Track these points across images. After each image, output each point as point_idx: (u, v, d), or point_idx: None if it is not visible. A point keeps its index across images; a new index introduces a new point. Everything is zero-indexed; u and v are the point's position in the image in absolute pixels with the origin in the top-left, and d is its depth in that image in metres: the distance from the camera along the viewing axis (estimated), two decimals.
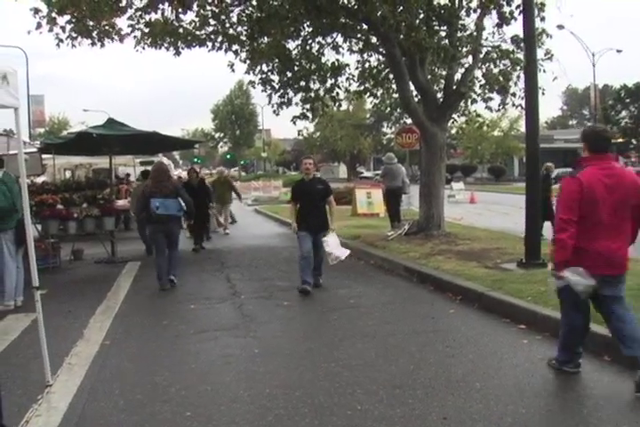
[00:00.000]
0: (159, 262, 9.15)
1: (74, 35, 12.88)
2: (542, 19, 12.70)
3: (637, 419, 4.07)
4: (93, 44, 13.24)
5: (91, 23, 12.72)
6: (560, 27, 27.80)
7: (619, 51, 39.75)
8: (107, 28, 13.05)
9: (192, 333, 6.51)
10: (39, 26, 12.33)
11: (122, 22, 13.35)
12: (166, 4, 12.47)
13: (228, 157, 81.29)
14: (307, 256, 8.59)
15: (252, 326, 6.73)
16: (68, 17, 12.44)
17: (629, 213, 4.66)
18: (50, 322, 5.42)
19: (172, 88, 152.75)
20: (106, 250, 12.06)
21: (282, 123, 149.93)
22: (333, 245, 8.76)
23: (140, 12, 12.75)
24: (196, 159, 62.97)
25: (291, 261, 10.79)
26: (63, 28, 12.64)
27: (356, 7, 12.07)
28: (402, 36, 11.51)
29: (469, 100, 14.35)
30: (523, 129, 46.44)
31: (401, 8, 11.45)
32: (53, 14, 12.32)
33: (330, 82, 14.61)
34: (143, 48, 13.57)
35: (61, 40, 12.85)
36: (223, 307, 7.80)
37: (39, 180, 15.45)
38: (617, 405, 4.27)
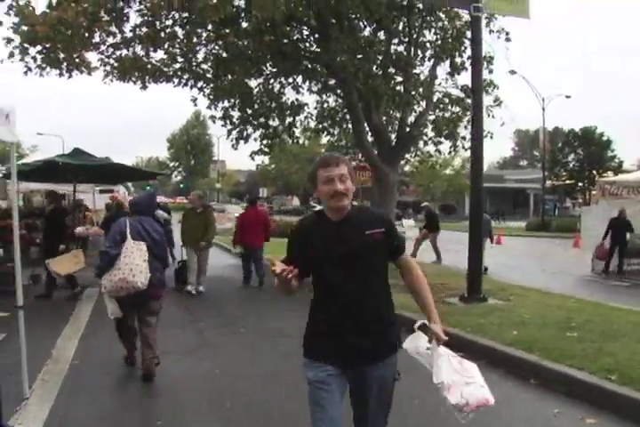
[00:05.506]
0: None
1: (43, 65, 13.26)
2: (490, 71, 13.71)
3: None
4: (61, 74, 13.61)
5: (62, 55, 13.09)
6: (512, 72, 29.13)
7: (567, 96, 41.54)
8: (77, 60, 13.44)
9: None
10: (12, 55, 12.68)
11: (92, 55, 13.81)
12: (137, 41, 13.00)
13: (182, 186, 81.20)
14: None
15: (211, 352, 7.25)
16: (39, 47, 12.82)
17: (262, 227, 12.55)
18: (17, 343, 5.47)
19: (129, 115, 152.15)
20: None
21: (237, 154, 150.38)
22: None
23: (111, 48, 13.23)
24: (148, 187, 62.57)
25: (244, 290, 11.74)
26: (34, 58, 13.00)
27: (318, 54, 12.84)
28: (359, 83, 12.26)
29: (422, 142, 15.20)
30: None
31: (360, 56, 12.27)
32: (26, 44, 12.69)
33: (289, 120, 15.30)
34: (111, 81, 14.05)
35: (30, 69, 13.19)
36: (184, 333, 8.23)
37: None
38: (541, 422, 4.91)
